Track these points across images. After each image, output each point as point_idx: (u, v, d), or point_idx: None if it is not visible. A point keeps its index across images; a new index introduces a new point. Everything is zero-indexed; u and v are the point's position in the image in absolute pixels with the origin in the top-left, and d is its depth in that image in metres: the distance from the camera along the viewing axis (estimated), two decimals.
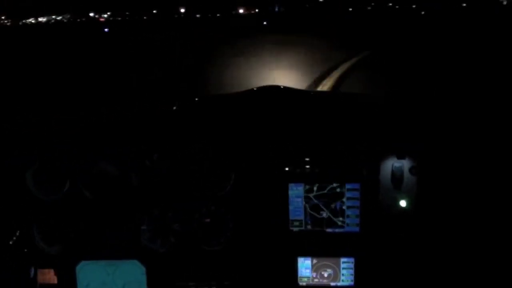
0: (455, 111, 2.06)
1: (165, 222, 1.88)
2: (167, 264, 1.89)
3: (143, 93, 9.05)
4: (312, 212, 1.85)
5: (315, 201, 1.85)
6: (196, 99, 2.37)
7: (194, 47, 18.42)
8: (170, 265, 1.89)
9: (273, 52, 14.97)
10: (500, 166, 1.78)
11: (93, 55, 17.36)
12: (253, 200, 1.85)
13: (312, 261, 1.88)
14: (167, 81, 10.50)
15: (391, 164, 1.81)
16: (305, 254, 1.88)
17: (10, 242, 1.88)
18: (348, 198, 1.83)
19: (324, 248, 1.87)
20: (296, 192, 1.85)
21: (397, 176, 1.80)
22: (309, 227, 1.86)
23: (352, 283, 1.87)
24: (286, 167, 1.84)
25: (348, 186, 1.83)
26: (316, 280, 1.89)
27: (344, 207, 1.84)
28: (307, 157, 1.83)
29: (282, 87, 2.42)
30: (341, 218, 1.85)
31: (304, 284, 1.90)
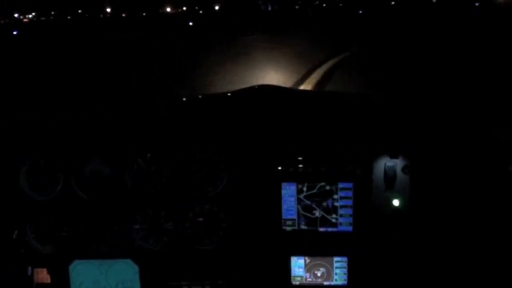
0: (448, 110, 2.07)
1: (158, 221, 1.88)
2: (161, 264, 1.89)
3: (137, 92, 9.02)
4: (305, 213, 1.86)
5: (306, 201, 1.85)
6: (184, 99, 2.37)
7: (184, 46, 18.38)
8: (163, 265, 1.89)
9: (263, 51, 14.97)
10: (493, 165, 1.79)
11: (89, 55, 17.27)
12: (246, 199, 1.86)
13: (305, 261, 1.89)
14: (156, 81, 10.47)
15: (384, 163, 1.81)
16: (298, 253, 1.89)
17: (7, 241, 1.87)
18: (341, 198, 1.84)
19: (317, 247, 1.88)
20: (289, 191, 1.85)
21: (390, 176, 1.81)
22: (302, 226, 1.87)
23: (345, 282, 1.88)
24: (278, 166, 1.84)
25: (341, 185, 1.83)
26: (309, 279, 1.90)
27: (336, 204, 1.84)
28: (299, 156, 1.84)
29: (273, 86, 2.42)
30: (334, 215, 1.85)
31: (297, 283, 1.90)
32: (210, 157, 1.85)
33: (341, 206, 1.84)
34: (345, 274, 1.87)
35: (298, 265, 1.89)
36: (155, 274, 1.89)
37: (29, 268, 1.88)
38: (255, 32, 20.13)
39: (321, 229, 1.86)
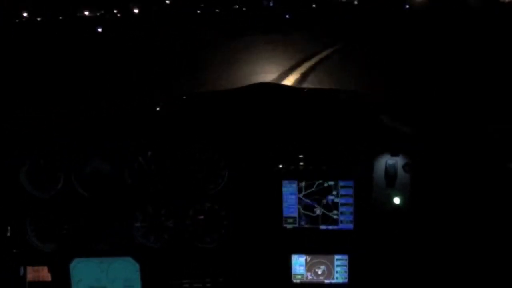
0: (449, 108, 2.07)
1: (158, 219, 1.88)
2: (161, 262, 1.89)
3: (137, 87, 9.02)
4: (306, 212, 1.86)
5: (306, 200, 1.85)
6: (184, 97, 2.37)
7: (186, 43, 18.36)
8: (164, 263, 1.89)
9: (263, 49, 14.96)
10: (494, 162, 1.79)
11: (91, 51, 17.26)
12: (246, 197, 1.85)
13: (306, 259, 1.89)
14: (156, 77, 10.46)
15: (385, 161, 1.81)
16: (299, 251, 1.89)
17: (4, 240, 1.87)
18: (342, 195, 1.84)
19: (318, 245, 1.88)
20: (289, 189, 1.85)
21: (390, 173, 1.81)
22: (303, 224, 1.86)
23: (346, 280, 1.88)
24: (279, 164, 1.84)
25: (341, 183, 1.83)
26: (310, 277, 1.90)
27: (336, 200, 1.84)
28: (300, 154, 1.83)
29: (274, 84, 2.42)
30: (335, 212, 1.85)
31: (298, 281, 1.90)
32: (211, 155, 1.85)
33: (342, 204, 1.84)
34: (345, 272, 1.87)
35: (299, 263, 1.89)
36: (155, 272, 1.89)
37: (21, 267, 1.88)
38: (256, 32, 20.10)
39: (322, 227, 1.86)
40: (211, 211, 1.87)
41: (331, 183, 1.83)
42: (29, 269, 1.89)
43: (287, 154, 1.84)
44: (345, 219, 1.85)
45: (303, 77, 9.56)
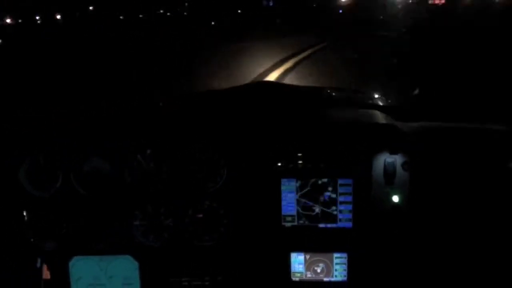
0: (448, 106, 2.07)
1: (158, 218, 1.88)
2: (160, 260, 1.89)
3: (137, 87, 9.02)
4: (305, 212, 1.86)
5: (304, 200, 1.85)
6: (185, 95, 2.37)
7: (185, 43, 18.35)
8: (163, 261, 1.89)
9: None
10: (494, 161, 1.79)
11: (91, 51, 17.24)
12: (245, 195, 1.86)
13: (305, 257, 1.89)
14: (156, 76, 10.46)
15: (384, 159, 1.81)
16: (298, 250, 1.89)
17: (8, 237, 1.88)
18: (341, 194, 1.84)
19: (317, 243, 1.88)
20: (288, 187, 1.85)
21: (389, 172, 1.81)
22: (302, 222, 1.87)
23: (345, 278, 1.88)
24: (278, 162, 1.84)
25: (340, 181, 1.83)
26: (309, 275, 1.90)
27: (333, 196, 1.84)
28: (299, 153, 1.84)
29: (273, 82, 2.43)
30: (334, 207, 1.85)
31: (297, 279, 1.90)
32: (210, 154, 1.85)
33: (341, 202, 1.84)
34: (345, 270, 1.88)
35: (298, 261, 1.89)
36: (155, 270, 1.89)
37: (39, 260, 1.89)
38: (255, 32, 20.08)
39: (321, 225, 1.86)
40: (210, 210, 1.87)
41: (325, 180, 1.83)
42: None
43: (286, 152, 1.84)
44: (344, 217, 1.85)
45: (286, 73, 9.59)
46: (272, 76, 9.25)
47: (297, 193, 1.85)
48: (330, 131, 1.87)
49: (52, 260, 1.89)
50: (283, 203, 1.85)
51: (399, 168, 1.81)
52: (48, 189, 1.86)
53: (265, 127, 1.91)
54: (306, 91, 2.44)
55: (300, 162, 1.83)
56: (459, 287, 1.85)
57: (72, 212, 1.87)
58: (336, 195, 1.84)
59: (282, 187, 1.84)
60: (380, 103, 2.19)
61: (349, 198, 1.84)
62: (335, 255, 1.88)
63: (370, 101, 2.27)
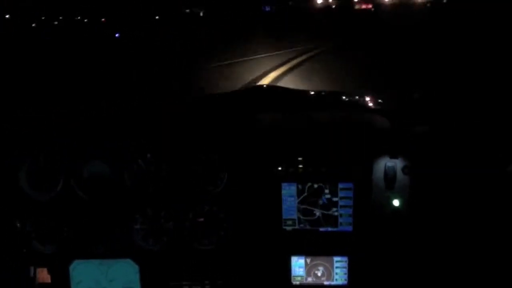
0: (448, 110, 2.07)
1: (158, 222, 1.88)
2: (161, 264, 1.89)
3: (138, 87, 9.02)
4: (306, 218, 1.86)
5: (304, 206, 1.85)
6: (184, 98, 2.37)
7: (186, 44, 18.34)
8: (163, 265, 1.89)
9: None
10: (493, 165, 1.79)
11: (91, 51, 17.23)
12: (246, 199, 1.86)
13: (305, 260, 1.89)
14: (157, 78, 10.46)
15: (384, 163, 1.81)
16: (298, 253, 1.89)
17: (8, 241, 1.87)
18: (341, 198, 1.84)
19: (318, 247, 1.88)
20: (289, 191, 1.85)
21: (390, 176, 1.81)
22: (302, 226, 1.87)
23: (345, 282, 1.88)
24: (279, 166, 1.84)
25: (341, 185, 1.83)
26: (309, 279, 1.90)
27: (331, 198, 1.84)
28: (299, 157, 1.84)
29: (274, 86, 2.43)
30: (334, 209, 1.85)
31: (297, 283, 1.90)
32: (210, 157, 1.85)
33: (341, 206, 1.84)
34: (345, 274, 1.88)
35: (298, 265, 1.89)
36: (155, 274, 1.89)
37: (31, 268, 1.88)
38: (255, 35, 20.11)
39: (321, 229, 1.86)
40: (210, 214, 1.87)
41: (320, 184, 1.83)
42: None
43: (286, 156, 1.84)
44: (344, 221, 1.85)
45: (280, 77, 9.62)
46: (272, 78, 9.26)
47: (297, 197, 1.85)
48: (330, 135, 1.87)
49: (52, 263, 1.89)
50: (284, 207, 1.85)
51: (399, 172, 1.81)
52: (49, 193, 1.86)
53: (265, 130, 1.91)
54: (305, 95, 2.44)
55: (301, 166, 1.83)
56: None
57: (72, 215, 1.87)
58: (336, 198, 1.84)
59: (283, 191, 1.84)
60: (381, 107, 2.19)
61: (350, 202, 1.84)
62: (336, 258, 1.88)
63: (370, 105, 2.27)
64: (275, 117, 2.00)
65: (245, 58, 12.39)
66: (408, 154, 1.80)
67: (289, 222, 1.87)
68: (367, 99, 2.33)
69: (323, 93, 2.51)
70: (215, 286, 1.88)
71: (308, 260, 1.89)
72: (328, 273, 1.89)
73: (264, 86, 2.37)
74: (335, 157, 1.82)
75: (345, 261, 1.87)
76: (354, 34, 17.75)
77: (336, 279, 1.88)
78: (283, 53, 12.88)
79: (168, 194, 1.86)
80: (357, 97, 2.40)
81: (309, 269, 1.89)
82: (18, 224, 1.87)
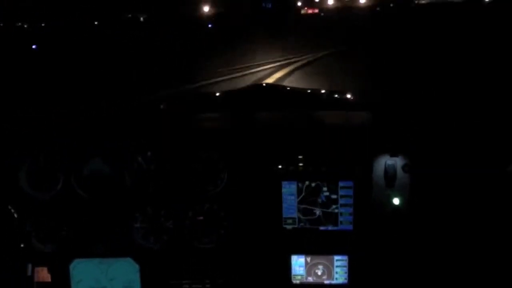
0: (449, 108, 2.07)
1: (158, 220, 1.88)
2: (161, 262, 1.89)
3: (137, 87, 9.03)
4: (306, 217, 1.86)
5: (303, 206, 1.85)
6: (185, 97, 2.37)
7: (186, 43, 18.35)
8: (164, 263, 1.89)
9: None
10: (494, 164, 1.79)
11: (91, 51, 17.24)
12: (246, 198, 1.86)
13: (305, 259, 1.89)
14: (156, 77, 10.46)
15: (384, 161, 1.81)
16: (298, 252, 1.89)
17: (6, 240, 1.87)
18: (341, 196, 1.84)
19: (318, 246, 1.88)
20: (289, 190, 1.85)
21: (390, 174, 1.81)
22: (302, 225, 1.86)
23: (346, 281, 1.88)
24: (279, 165, 1.84)
25: (341, 183, 1.83)
26: (309, 278, 1.90)
27: (330, 195, 1.84)
28: (300, 155, 1.84)
29: (274, 84, 2.43)
30: (334, 206, 1.85)
31: (297, 282, 1.90)
32: (210, 156, 1.85)
33: (342, 205, 1.84)
34: (345, 272, 1.87)
35: (298, 264, 1.89)
36: (155, 273, 1.89)
37: (29, 266, 1.88)
38: (255, 33, 20.09)
39: (322, 228, 1.86)
40: (210, 212, 1.87)
41: (318, 182, 1.83)
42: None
43: (287, 154, 1.84)
44: (344, 219, 1.85)
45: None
46: (273, 78, 9.27)
47: (298, 196, 1.85)
48: (330, 133, 1.87)
49: (52, 262, 1.89)
50: (284, 205, 1.85)
51: (399, 171, 1.81)
52: (49, 192, 1.86)
53: (265, 129, 1.91)
54: (306, 93, 2.44)
55: (301, 164, 1.83)
56: None
57: (72, 214, 1.87)
58: (335, 195, 1.84)
59: (283, 190, 1.84)
60: (381, 105, 2.19)
61: (350, 201, 1.83)
62: (336, 257, 1.87)
63: (371, 103, 2.27)
64: (275, 115, 2.00)
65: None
66: (408, 152, 1.80)
67: (289, 221, 1.87)
68: (367, 97, 2.33)
69: (322, 92, 2.51)
70: (215, 285, 1.88)
71: (308, 259, 1.89)
72: (329, 272, 1.89)
73: (264, 84, 2.37)
74: (335, 155, 1.82)
75: (345, 260, 1.87)
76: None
77: (337, 278, 1.88)
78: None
79: (168, 193, 1.86)
80: (357, 95, 2.40)
81: (309, 268, 1.89)
82: (18, 223, 1.87)
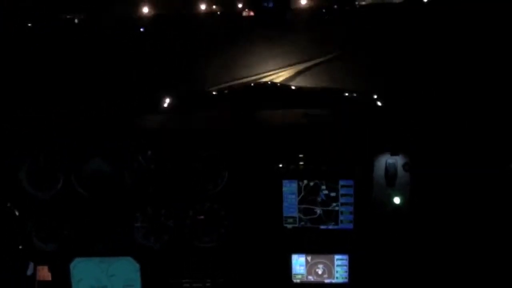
0: (449, 106, 2.07)
1: (158, 219, 1.87)
2: (162, 262, 1.89)
3: (137, 86, 9.02)
4: (307, 217, 1.86)
5: (303, 206, 1.85)
6: (185, 96, 2.37)
7: (188, 42, 18.32)
8: (164, 263, 1.89)
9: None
10: (495, 162, 1.79)
11: (91, 51, 17.21)
12: (247, 197, 1.85)
13: (306, 258, 1.89)
14: (156, 76, 10.44)
15: (385, 160, 1.81)
16: (299, 251, 1.89)
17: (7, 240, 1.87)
18: (342, 195, 1.83)
19: (318, 245, 1.88)
20: (289, 189, 1.85)
21: (390, 173, 1.81)
22: (303, 223, 1.86)
23: (346, 280, 1.88)
24: (279, 163, 1.84)
25: (341, 182, 1.83)
26: (310, 277, 1.89)
27: (331, 194, 1.84)
28: (300, 154, 1.83)
29: (273, 83, 2.43)
30: (334, 204, 1.84)
31: (298, 281, 1.90)
32: (211, 155, 1.85)
33: (342, 203, 1.84)
34: (346, 271, 1.87)
35: (299, 263, 1.89)
36: (156, 272, 1.89)
37: (31, 265, 1.88)
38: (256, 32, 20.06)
39: (322, 227, 1.86)
40: (211, 211, 1.87)
41: (316, 181, 1.83)
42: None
43: (287, 153, 1.83)
44: (345, 218, 1.85)
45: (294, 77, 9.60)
46: (274, 79, 9.26)
47: (298, 195, 1.84)
48: (330, 132, 1.87)
49: (53, 261, 1.89)
50: (285, 204, 1.85)
51: (400, 170, 1.80)
52: (49, 191, 1.86)
53: (265, 127, 1.91)
54: (306, 92, 2.44)
55: (301, 163, 1.83)
56: None
57: (73, 213, 1.87)
58: (334, 193, 1.84)
59: (284, 189, 1.84)
60: (381, 104, 2.19)
61: (350, 199, 1.83)
62: (336, 256, 1.87)
63: (371, 102, 2.27)
64: (275, 113, 2.00)
65: None
66: (409, 151, 1.80)
67: (290, 220, 1.87)
68: (368, 96, 2.33)
69: (323, 90, 2.51)
70: (216, 284, 1.88)
71: (309, 258, 1.89)
72: (329, 271, 1.88)
73: (263, 83, 2.37)
74: (336, 154, 1.82)
75: (346, 259, 1.87)
76: None
77: (337, 277, 1.88)
78: None
79: (168, 192, 1.86)
80: (357, 94, 2.40)
81: (309, 267, 1.89)
82: (19, 223, 1.87)
